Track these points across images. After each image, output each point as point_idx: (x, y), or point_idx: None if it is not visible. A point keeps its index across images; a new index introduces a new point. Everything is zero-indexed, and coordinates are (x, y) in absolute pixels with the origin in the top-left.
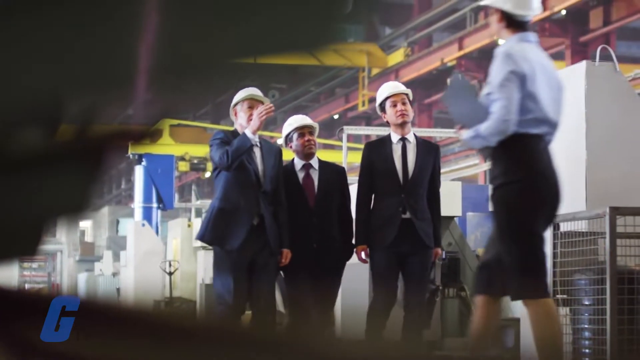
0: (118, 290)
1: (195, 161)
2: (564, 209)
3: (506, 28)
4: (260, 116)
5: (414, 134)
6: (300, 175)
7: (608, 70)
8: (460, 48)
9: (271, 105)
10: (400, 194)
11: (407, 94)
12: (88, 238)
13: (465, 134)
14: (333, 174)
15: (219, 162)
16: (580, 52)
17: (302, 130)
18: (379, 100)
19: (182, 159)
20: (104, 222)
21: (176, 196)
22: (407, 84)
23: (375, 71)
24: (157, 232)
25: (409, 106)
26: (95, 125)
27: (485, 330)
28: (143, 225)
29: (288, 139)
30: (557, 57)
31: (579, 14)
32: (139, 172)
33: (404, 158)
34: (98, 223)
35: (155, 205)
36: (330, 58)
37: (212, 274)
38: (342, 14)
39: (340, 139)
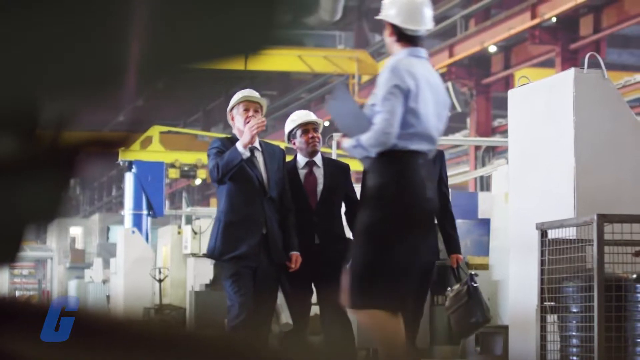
0: (108, 297)
1: (186, 168)
2: (553, 215)
3: (397, 42)
4: (252, 130)
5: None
6: (303, 173)
7: (596, 77)
8: (451, 55)
9: (263, 119)
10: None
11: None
12: (78, 245)
13: (347, 142)
14: (337, 171)
15: (210, 175)
16: (571, 60)
17: (306, 127)
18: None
19: (172, 166)
20: (94, 229)
21: (167, 203)
22: None
23: (365, 78)
24: (147, 239)
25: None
26: (69, 132)
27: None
28: (133, 232)
29: (291, 135)
30: (548, 64)
31: (569, 21)
32: (129, 179)
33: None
34: (89, 230)
35: (145, 212)
36: (321, 65)
37: (203, 285)
38: (279, 18)
39: (330, 146)
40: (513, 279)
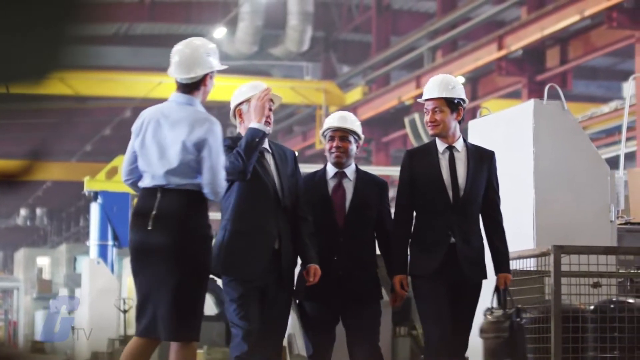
0: (73, 328)
1: None
2: (512, 247)
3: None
4: (261, 100)
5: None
6: (331, 184)
7: (556, 108)
8: (418, 86)
9: (268, 87)
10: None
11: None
12: (46, 275)
13: None
14: (371, 187)
15: (231, 168)
16: (537, 91)
17: (333, 134)
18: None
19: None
20: (61, 260)
21: None
22: (365, 123)
23: (332, 109)
24: (112, 269)
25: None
26: None
27: None
28: (98, 263)
29: (323, 135)
30: (514, 95)
31: (536, 53)
32: (94, 209)
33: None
34: (56, 260)
35: (110, 242)
36: (288, 96)
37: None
38: (69, 42)
39: None
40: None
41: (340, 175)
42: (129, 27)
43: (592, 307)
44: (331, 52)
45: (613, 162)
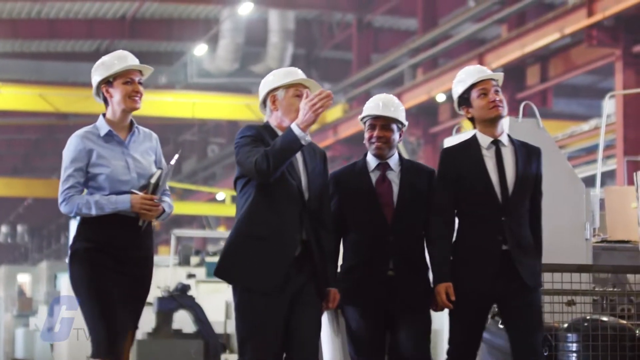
0: (52, 346)
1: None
2: None
3: None
4: (316, 108)
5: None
6: (374, 177)
7: (532, 126)
8: None
9: (328, 92)
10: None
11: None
12: (26, 293)
13: None
14: (419, 176)
15: (254, 169)
16: (517, 109)
17: (374, 122)
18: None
19: None
20: (42, 277)
21: None
22: (345, 141)
23: (313, 127)
24: None
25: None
26: None
27: None
28: None
29: (362, 122)
30: None
31: (516, 71)
32: (73, 227)
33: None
34: (37, 278)
35: None
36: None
37: (145, 333)
38: None
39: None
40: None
41: (384, 167)
42: (110, 44)
43: (565, 325)
44: (312, 70)
45: (592, 181)
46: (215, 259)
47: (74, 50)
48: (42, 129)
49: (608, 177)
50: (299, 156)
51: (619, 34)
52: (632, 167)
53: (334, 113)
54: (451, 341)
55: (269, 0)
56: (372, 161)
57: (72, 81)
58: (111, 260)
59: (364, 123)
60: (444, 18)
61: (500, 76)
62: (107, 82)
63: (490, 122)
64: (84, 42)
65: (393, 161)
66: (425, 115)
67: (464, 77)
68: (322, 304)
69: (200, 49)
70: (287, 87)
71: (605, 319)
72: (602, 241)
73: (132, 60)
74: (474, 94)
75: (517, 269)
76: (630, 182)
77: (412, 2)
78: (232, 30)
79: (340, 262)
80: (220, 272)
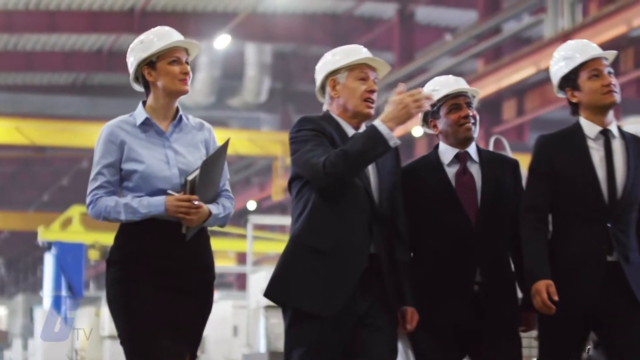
0: None
1: (107, 249)
2: None
3: None
4: (410, 108)
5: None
6: (452, 171)
7: None
8: None
9: (429, 94)
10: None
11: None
12: (2, 326)
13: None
14: (503, 168)
15: (322, 172)
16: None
17: (457, 101)
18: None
19: (93, 247)
20: (18, 310)
21: (92, 284)
22: None
23: (289, 161)
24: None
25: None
26: None
27: None
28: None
29: (431, 114)
30: None
31: (493, 105)
32: (48, 260)
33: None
34: (13, 311)
35: (64, 293)
36: (245, 147)
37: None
38: None
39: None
40: None
41: (464, 157)
42: (87, 77)
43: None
44: (289, 103)
45: None
46: None
47: (50, 83)
48: (18, 161)
49: None
50: None
51: None
52: None
53: None
54: None
55: (246, 33)
56: (447, 152)
57: (48, 113)
58: (154, 275)
59: (435, 113)
60: (420, 52)
61: (613, 54)
62: (149, 63)
63: (601, 110)
64: (60, 74)
65: (472, 150)
66: (402, 148)
67: (571, 54)
68: (396, 328)
69: None
70: (349, 68)
71: None
72: None
73: (177, 37)
74: (584, 74)
75: (627, 284)
76: None
77: (389, 36)
78: (209, 63)
79: None
80: (272, 292)
